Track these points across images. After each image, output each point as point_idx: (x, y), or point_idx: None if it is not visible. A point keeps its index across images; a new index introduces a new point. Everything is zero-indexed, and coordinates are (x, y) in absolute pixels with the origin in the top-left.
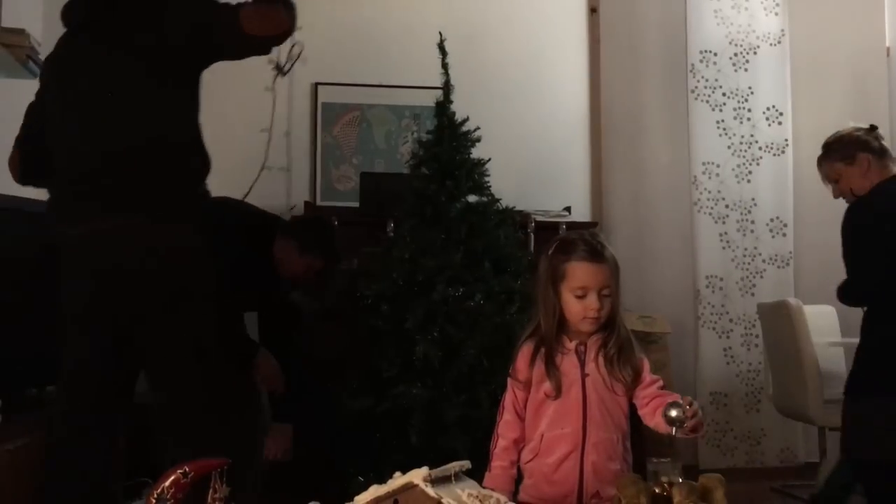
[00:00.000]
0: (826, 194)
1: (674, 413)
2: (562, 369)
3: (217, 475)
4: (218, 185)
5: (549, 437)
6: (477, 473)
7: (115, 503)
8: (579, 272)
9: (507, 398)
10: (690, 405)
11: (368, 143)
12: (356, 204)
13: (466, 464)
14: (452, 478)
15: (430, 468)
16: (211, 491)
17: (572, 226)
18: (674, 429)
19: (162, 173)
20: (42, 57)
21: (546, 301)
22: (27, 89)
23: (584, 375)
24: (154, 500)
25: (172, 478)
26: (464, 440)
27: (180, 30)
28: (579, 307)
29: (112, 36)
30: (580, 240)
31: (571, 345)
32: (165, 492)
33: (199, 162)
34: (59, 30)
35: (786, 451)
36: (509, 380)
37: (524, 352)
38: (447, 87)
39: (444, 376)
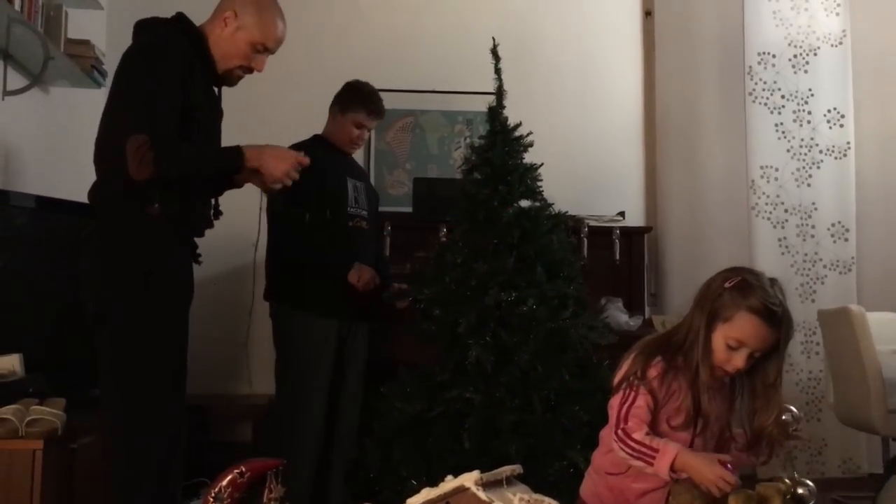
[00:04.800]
0: (890, 198)
1: (784, 417)
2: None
3: (273, 475)
4: None
5: None
6: (529, 478)
7: (174, 503)
8: (746, 326)
9: (636, 405)
10: (798, 421)
11: (421, 148)
12: (409, 209)
13: (518, 468)
14: (504, 482)
15: (482, 472)
16: (266, 491)
17: (626, 231)
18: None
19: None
20: (106, 67)
21: (698, 334)
22: (92, 98)
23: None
24: (211, 500)
25: (229, 477)
26: (517, 445)
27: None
28: (724, 356)
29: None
30: (762, 289)
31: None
32: (223, 491)
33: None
34: (123, 41)
35: (848, 461)
36: (636, 384)
37: (657, 366)
38: (500, 92)
39: (497, 381)
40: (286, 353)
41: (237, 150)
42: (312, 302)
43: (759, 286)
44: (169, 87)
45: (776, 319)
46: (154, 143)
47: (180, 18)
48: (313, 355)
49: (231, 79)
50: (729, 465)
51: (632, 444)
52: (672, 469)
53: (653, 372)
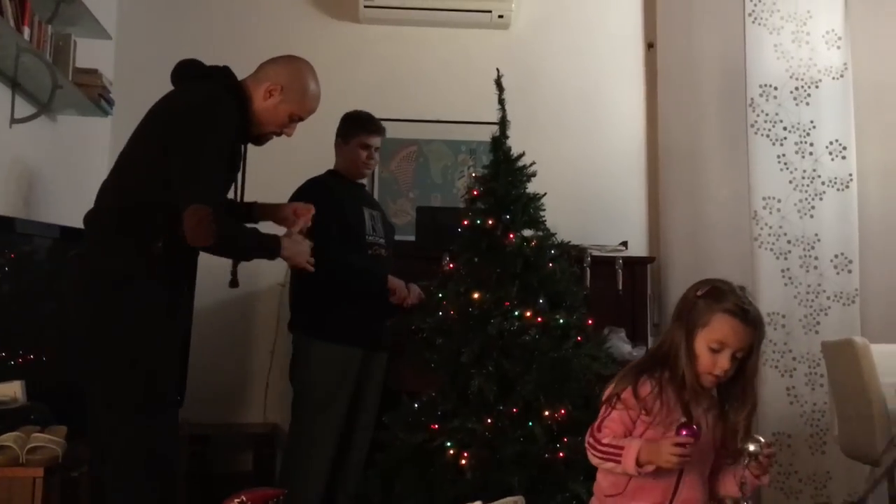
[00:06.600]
0: (892, 230)
1: (752, 447)
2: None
3: None
4: None
5: (639, 484)
6: None
7: None
8: (724, 327)
9: (609, 418)
10: (769, 445)
11: (425, 177)
12: (412, 238)
13: (520, 500)
14: None
15: (484, 503)
16: None
17: (629, 261)
18: (746, 462)
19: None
20: (113, 96)
21: (680, 344)
22: (99, 127)
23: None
24: None
25: None
26: (519, 476)
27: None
28: (709, 361)
29: (151, 111)
30: (732, 292)
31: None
32: None
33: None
34: (130, 70)
35: (853, 494)
36: (615, 407)
37: (645, 384)
38: (503, 123)
39: (499, 411)
40: (307, 383)
41: (277, 242)
42: (339, 331)
43: (730, 290)
44: (223, 154)
45: (750, 318)
46: (217, 218)
47: (228, 76)
48: (335, 386)
49: (261, 140)
50: (684, 431)
51: (600, 447)
52: (638, 463)
53: (644, 390)
